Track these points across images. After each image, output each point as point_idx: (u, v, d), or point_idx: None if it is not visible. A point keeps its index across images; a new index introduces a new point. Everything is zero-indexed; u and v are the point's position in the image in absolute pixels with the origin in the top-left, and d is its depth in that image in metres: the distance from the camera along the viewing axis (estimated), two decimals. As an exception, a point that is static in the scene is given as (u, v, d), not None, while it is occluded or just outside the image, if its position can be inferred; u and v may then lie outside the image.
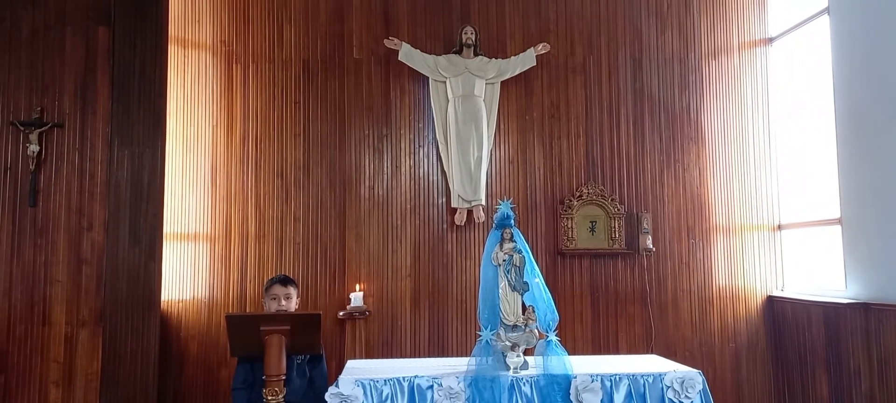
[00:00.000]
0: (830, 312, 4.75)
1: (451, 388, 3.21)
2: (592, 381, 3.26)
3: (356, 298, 5.15)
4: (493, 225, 3.54)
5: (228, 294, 5.26)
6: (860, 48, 4.60)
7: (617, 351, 5.31)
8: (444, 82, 5.41)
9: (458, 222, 5.36)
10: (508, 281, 3.42)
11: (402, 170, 5.47)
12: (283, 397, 3.24)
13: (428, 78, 5.44)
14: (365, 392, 3.18)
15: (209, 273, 5.26)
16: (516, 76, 5.47)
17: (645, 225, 5.41)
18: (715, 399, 3.47)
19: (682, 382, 3.30)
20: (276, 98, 5.43)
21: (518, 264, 3.41)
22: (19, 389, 4.53)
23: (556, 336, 3.40)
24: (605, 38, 5.65)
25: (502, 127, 5.52)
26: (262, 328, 3.25)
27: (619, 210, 5.41)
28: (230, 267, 5.28)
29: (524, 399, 3.25)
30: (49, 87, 4.72)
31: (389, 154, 5.47)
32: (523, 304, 3.43)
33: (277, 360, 3.22)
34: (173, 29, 5.19)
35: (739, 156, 5.61)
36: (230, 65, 5.43)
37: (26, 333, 4.56)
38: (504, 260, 3.43)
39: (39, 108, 4.68)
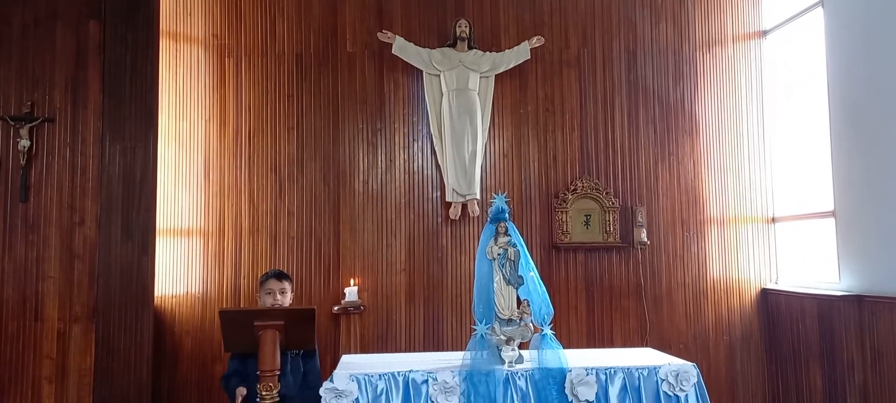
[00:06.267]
0: (824, 305, 4.77)
1: (446, 382, 3.21)
2: (587, 375, 3.26)
3: (351, 293, 5.14)
4: (488, 219, 3.52)
5: (222, 289, 5.23)
6: (853, 41, 4.60)
7: (612, 345, 5.31)
8: (439, 76, 5.39)
9: (452, 216, 5.35)
10: (503, 275, 3.41)
11: (397, 164, 5.45)
12: (278, 392, 3.23)
13: (422, 71, 5.41)
14: (360, 387, 3.17)
15: (203, 268, 5.24)
16: (510, 69, 5.45)
17: (639, 219, 5.41)
18: (709, 391, 3.47)
19: (677, 375, 3.31)
20: (269, 92, 5.41)
21: (513, 258, 3.41)
22: (12, 385, 4.51)
23: (550, 329, 3.40)
24: (600, 31, 5.64)
25: (497, 120, 5.51)
26: (256, 323, 3.24)
27: (613, 203, 5.41)
28: (224, 262, 5.25)
29: (519, 393, 3.24)
30: (40, 82, 4.69)
31: (383, 148, 5.45)
32: (518, 298, 3.42)
33: (272, 355, 3.22)
34: (165, 23, 5.16)
35: (733, 148, 5.61)
36: (223, 59, 5.40)
37: (18, 329, 4.54)
38: (499, 254, 3.43)
39: (30, 103, 4.65)
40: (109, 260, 4.59)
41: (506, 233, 3.45)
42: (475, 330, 3.35)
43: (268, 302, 3.78)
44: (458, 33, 5.38)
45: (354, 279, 5.25)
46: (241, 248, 5.27)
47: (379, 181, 5.42)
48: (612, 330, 5.42)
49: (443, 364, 3.41)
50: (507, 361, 3.33)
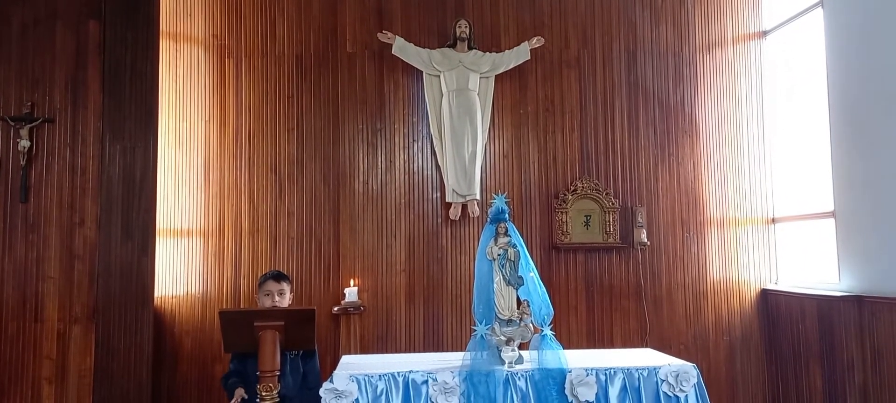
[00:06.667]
0: (824, 305, 4.77)
1: (446, 383, 3.21)
2: (587, 375, 3.26)
3: (350, 293, 5.14)
4: (488, 219, 3.52)
5: (222, 289, 5.23)
6: (853, 42, 4.60)
7: (612, 345, 5.31)
8: (439, 76, 5.39)
9: (452, 217, 5.35)
10: (503, 275, 3.41)
11: (397, 164, 5.45)
12: (277, 392, 3.23)
13: (422, 72, 5.41)
14: (359, 388, 3.17)
15: (203, 268, 5.24)
16: (510, 70, 5.45)
17: (639, 219, 5.41)
18: (709, 392, 3.47)
19: (677, 375, 3.31)
20: (269, 92, 5.40)
21: (513, 258, 3.41)
22: (12, 386, 4.51)
23: (550, 330, 3.40)
24: (600, 32, 5.64)
25: (497, 121, 5.51)
26: (255, 324, 3.24)
27: (613, 204, 5.41)
28: (224, 262, 5.25)
29: (519, 394, 3.24)
30: (39, 82, 4.69)
31: (383, 148, 5.45)
32: (518, 299, 3.42)
33: (271, 356, 3.21)
34: (165, 23, 5.16)
35: (733, 149, 5.61)
36: (223, 59, 5.40)
37: (18, 330, 4.55)
38: (499, 255, 3.43)
39: (30, 103, 4.65)
40: (109, 261, 4.59)
41: (506, 234, 3.45)
42: (475, 330, 3.35)
43: (266, 303, 3.77)
44: (457, 34, 5.38)
45: (354, 279, 5.25)
46: (241, 249, 5.27)
47: (379, 181, 5.42)
48: (612, 330, 5.42)
49: (443, 364, 3.41)
50: (506, 361, 3.33)
